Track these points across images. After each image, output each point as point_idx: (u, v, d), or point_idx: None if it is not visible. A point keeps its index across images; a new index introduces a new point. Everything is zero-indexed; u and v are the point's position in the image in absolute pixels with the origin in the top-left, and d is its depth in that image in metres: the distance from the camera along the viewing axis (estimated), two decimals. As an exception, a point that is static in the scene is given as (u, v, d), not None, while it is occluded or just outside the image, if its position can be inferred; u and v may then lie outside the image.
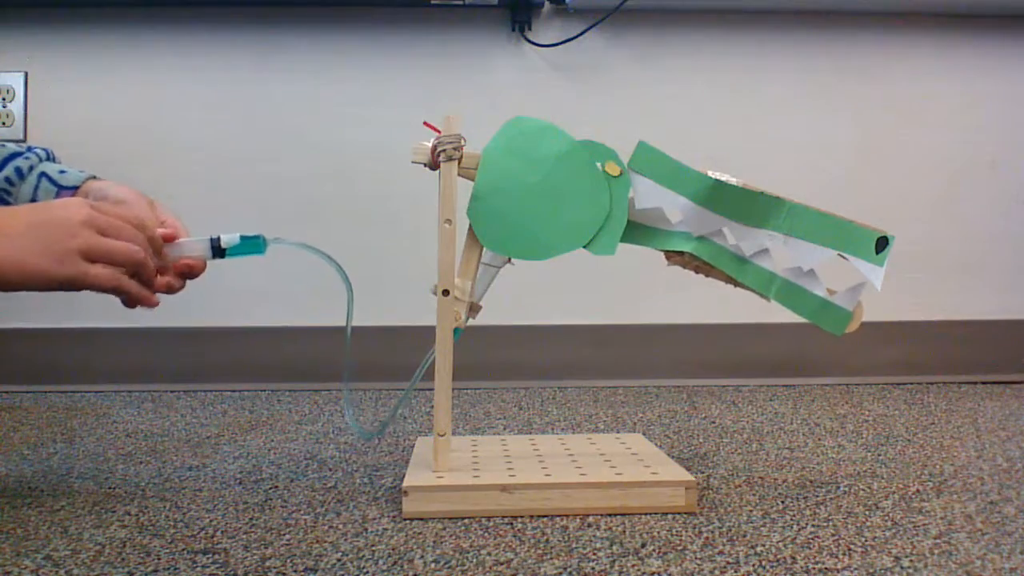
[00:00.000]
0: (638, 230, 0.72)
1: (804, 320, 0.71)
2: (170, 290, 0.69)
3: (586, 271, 1.36)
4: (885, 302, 1.35)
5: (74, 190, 0.72)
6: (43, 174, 0.73)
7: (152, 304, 0.65)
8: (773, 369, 1.36)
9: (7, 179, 0.72)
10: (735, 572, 0.53)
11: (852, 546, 0.58)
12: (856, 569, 0.53)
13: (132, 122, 1.36)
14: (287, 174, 1.37)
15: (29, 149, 0.74)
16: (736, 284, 0.71)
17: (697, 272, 0.72)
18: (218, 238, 0.68)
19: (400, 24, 1.37)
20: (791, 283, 0.70)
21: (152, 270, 0.64)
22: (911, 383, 1.37)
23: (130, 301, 0.64)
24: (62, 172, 0.73)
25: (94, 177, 0.74)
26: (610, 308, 1.38)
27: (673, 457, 0.74)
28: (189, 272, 0.70)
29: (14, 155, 0.73)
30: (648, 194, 0.71)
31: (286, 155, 1.37)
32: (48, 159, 0.75)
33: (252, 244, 0.69)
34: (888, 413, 1.10)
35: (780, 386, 1.33)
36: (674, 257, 0.72)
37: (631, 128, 1.36)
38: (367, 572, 0.53)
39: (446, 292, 0.68)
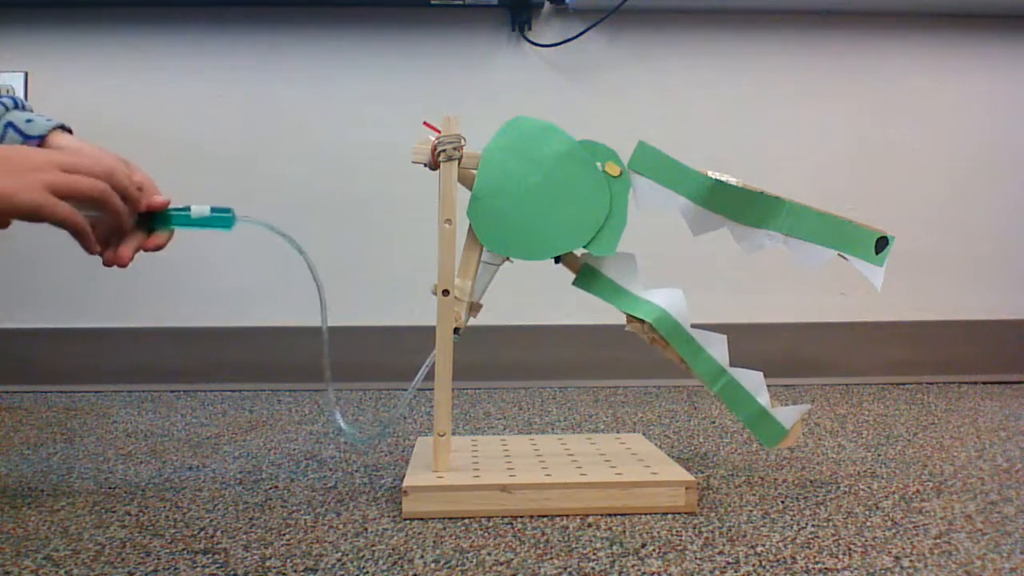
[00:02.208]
0: (608, 287, 0.72)
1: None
2: (157, 247, 0.70)
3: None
4: (885, 302, 1.36)
5: (40, 139, 0.72)
6: (9, 123, 0.72)
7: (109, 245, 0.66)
8: (773, 369, 1.36)
9: None
10: (735, 572, 0.53)
11: (852, 546, 0.58)
12: (856, 569, 0.53)
13: (132, 122, 1.36)
14: (287, 174, 1.37)
15: None
16: (686, 367, 0.71)
17: (652, 344, 0.71)
18: (189, 208, 0.69)
19: (400, 24, 1.37)
20: (737, 384, 0.71)
21: (118, 208, 0.65)
22: (911, 383, 1.37)
23: (87, 242, 0.65)
24: (28, 121, 0.73)
25: (63, 127, 0.74)
26: (610, 308, 1.38)
27: (673, 457, 0.74)
28: (154, 248, 0.70)
29: None
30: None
31: (286, 155, 1.37)
32: (17, 107, 0.74)
33: (221, 219, 0.69)
34: (888, 413, 1.10)
35: (780, 386, 1.33)
36: (634, 322, 0.72)
37: (631, 128, 1.36)
38: (367, 572, 0.53)
39: (446, 292, 0.68)
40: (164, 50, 1.36)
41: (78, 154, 0.67)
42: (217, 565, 0.54)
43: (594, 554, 0.56)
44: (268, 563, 0.55)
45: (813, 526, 0.62)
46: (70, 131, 0.74)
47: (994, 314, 1.42)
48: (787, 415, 0.71)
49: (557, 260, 0.72)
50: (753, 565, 0.54)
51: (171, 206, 0.69)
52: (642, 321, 0.71)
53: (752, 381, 0.71)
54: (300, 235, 0.71)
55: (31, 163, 0.62)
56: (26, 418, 1.10)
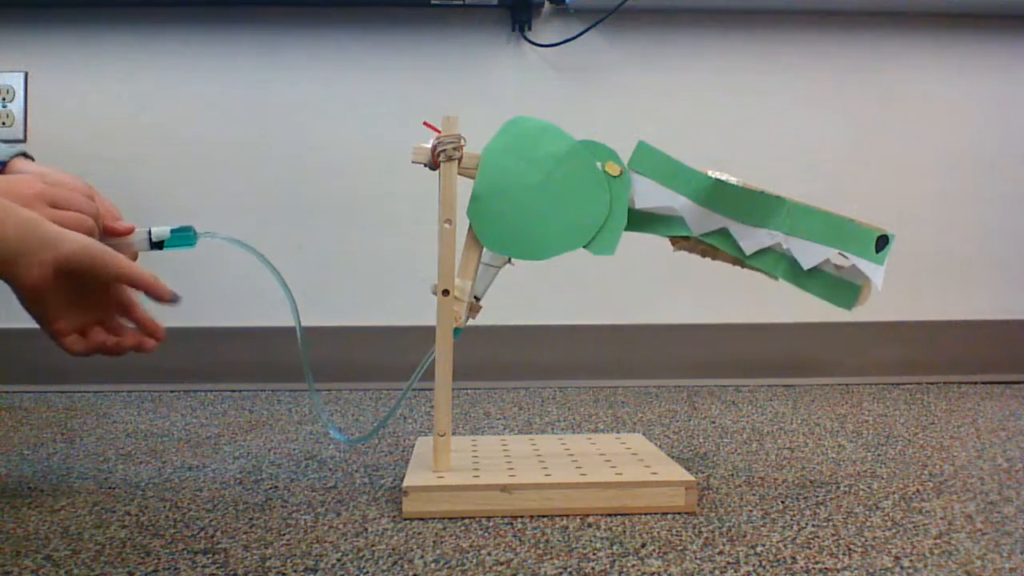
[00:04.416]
0: (643, 218, 0.72)
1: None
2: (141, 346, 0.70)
3: (586, 271, 1.36)
4: (885, 302, 1.36)
5: (1, 166, 0.72)
6: None
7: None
8: (773, 369, 1.36)
9: None
10: (735, 572, 0.53)
11: (852, 546, 0.58)
12: (856, 569, 0.53)
13: (132, 122, 1.36)
14: (287, 174, 1.37)
15: None
16: (743, 265, 0.72)
17: (704, 255, 0.73)
18: (150, 231, 0.70)
19: (400, 24, 1.37)
20: (798, 262, 0.71)
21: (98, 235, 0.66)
22: (911, 383, 1.37)
23: None
24: None
25: (25, 154, 0.75)
26: (610, 308, 1.38)
27: (673, 457, 0.74)
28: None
29: None
30: (648, 194, 0.71)
31: (286, 155, 1.37)
32: None
33: (183, 237, 0.70)
34: (888, 413, 1.10)
35: (780, 386, 1.33)
36: (680, 242, 0.73)
37: (631, 128, 1.36)
38: (367, 572, 0.53)
39: (446, 292, 0.68)
40: (164, 50, 1.36)
41: (63, 184, 0.67)
42: (217, 565, 0.54)
43: (594, 554, 0.56)
44: (268, 563, 0.55)
45: (813, 526, 0.62)
46: (32, 159, 0.75)
47: (994, 314, 1.43)
48: (854, 274, 0.70)
49: None
50: (753, 565, 0.54)
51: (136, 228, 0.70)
52: (687, 238, 0.71)
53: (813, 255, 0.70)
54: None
55: (18, 198, 0.62)
56: (26, 418, 1.10)
